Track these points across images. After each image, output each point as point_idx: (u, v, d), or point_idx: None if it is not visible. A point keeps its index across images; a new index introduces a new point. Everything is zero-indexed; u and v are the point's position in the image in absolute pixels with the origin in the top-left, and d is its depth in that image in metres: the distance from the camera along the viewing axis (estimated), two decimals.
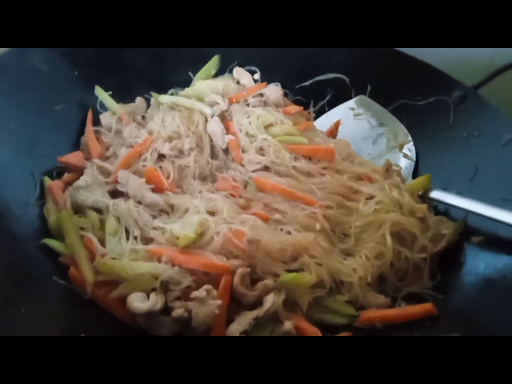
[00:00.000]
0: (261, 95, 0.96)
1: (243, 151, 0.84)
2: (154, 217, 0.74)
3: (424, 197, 0.82)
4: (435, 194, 0.81)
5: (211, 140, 0.87)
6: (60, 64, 0.88)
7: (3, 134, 0.76)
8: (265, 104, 0.95)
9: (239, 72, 1.01)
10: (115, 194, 0.77)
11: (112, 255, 0.68)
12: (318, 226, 0.73)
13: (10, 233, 0.69)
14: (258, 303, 0.67)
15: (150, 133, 0.86)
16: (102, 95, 0.92)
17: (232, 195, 0.77)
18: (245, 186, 0.80)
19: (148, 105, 0.95)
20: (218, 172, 0.84)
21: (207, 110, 0.89)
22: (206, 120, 0.89)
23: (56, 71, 0.88)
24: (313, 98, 1.03)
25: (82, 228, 0.71)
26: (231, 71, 1.02)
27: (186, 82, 0.99)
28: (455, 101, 0.90)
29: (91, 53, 0.91)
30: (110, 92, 0.92)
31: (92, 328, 0.64)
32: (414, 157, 0.92)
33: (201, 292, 0.63)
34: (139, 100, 0.95)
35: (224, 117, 0.91)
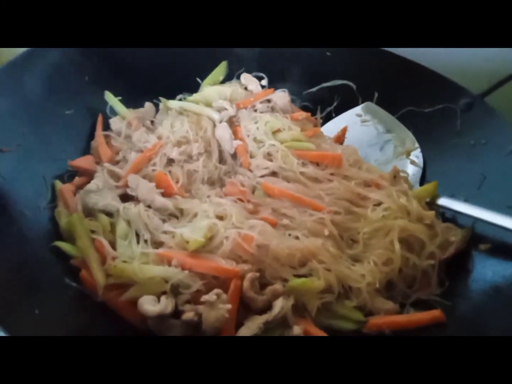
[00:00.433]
0: (269, 101, 0.97)
1: (251, 157, 0.85)
2: (163, 221, 0.75)
3: (431, 204, 0.82)
4: (443, 201, 0.81)
5: (219, 145, 0.88)
6: (71, 69, 0.89)
7: (15, 138, 0.77)
8: (272, 110, 0.96)
9: (247, 78, 1.02)
10: (125, 198, 0.78)
11: (123, 258, 0.69)
12: (326, 232, 0.74)
13: (22, 236, 0.69)
14: (267, 307, 0.67)
15: (159, 138, 0.86)
16: (112, 100, 0.93)
17: (240, 200, 0.78)
18: (253, 191, 0.81)
19: (157, 110, 0.97)
20: (226, 177, 0.84)
21: (215, 116, 0.90)
22: (214, 126, 0.89)
23: (66, 76, 0.89)
24: (320, 104, 1.04)
25: (93, 231, 0.72)
26: (238, 77, 1.03)
27: (194, 88, 1.00)
28: (462, 108, 0.91)
29: (101, 58, 0.92)
30: (120, 97, 0.93)
31: (102, 330, 0.64)
32: (421, 164, 0.92)
33: (211, 296, 0.63)
34: (148, 105, 0.96)
35: (232, 123, 0.92)
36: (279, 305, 0.66)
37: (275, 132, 0.88)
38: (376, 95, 1.00)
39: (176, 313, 0.65)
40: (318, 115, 1.03)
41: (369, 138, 0.99)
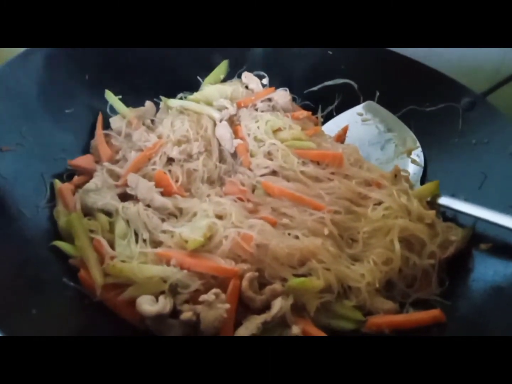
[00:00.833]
0: (270, 100, 0.97)
1: (251, 156, 0.85)
2: (163, 220, 0.74)
3: (432, 203, 0.82)
4: (444, 200, 0.81)
5: (219, 144, 0.88)
6: (71, 68, 0.89)
7: (14, 137, 0.77)
8: (273, 109, 0.95)
9: (248, 77, 1.02)
10: (124, 197, 0.78)
11: (122, 258, 0.68)
12: (326, 231, 0.73)
13: (20, 235, 0.69)
14: (266, 307, 0.67)
15: (159, 137, 0.86)
16: (112, 99, 0.93)
17: (240, 199, 0.78)
18: (253, 190, 0.80)
19: (158, 109, 0.96)
20: (226, 176, 0.84)
21: (216, 115, 0.90)
22: (215, 124, 0.89)
23: (66, 75, 0.88)
24: (321, 103, 1.04)
25: (91, 231, 0.72)
26: (239, 76, 1.03)
27: (195, 87, 0.99)
28: (464, 107, 0.90)
29: (101, 57, 0.92)
30: (120, 96, 0.93)
31: (101, 329, 0.64)
32: (422, 163, 0.92)
33: (209, 296, 0.63)
34: (149, 104, 0.96)
35: (232, 122, 0.92)
36: (278, 304, 0.66)
37: (275, 131, 0.88)
38: (377, 94, 1.00)
39: (175, 312, 0.65)
40: (319, 114, 1.03)
41: (370, 137, 0.98)
